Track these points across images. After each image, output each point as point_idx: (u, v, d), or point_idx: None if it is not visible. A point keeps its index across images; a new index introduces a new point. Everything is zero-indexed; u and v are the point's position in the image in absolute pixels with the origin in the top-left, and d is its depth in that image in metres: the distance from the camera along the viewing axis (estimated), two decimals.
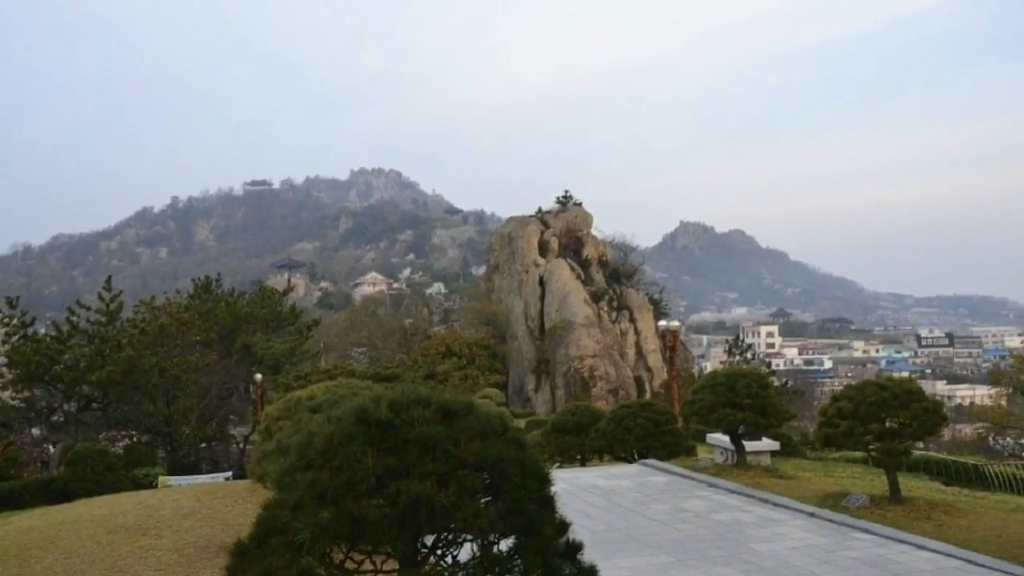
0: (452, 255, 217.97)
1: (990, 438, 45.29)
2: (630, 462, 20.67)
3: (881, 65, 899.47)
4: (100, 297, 37.08)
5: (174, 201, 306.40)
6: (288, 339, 48.58)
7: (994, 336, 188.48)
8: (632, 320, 77.29)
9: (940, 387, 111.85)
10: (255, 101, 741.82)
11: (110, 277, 40.47)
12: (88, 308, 37.26)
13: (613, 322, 76.46)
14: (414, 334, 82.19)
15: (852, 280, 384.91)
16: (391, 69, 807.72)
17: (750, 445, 17.96)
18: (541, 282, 77.21)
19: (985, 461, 27.14)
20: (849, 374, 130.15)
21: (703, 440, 22.50)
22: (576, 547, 4.50)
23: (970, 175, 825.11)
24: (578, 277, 77.63)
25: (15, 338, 34.22)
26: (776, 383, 41.47)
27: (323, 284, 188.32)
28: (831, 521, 12.79)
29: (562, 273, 76.68)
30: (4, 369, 34.59)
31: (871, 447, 14.15)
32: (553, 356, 72.65)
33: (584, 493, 15.49)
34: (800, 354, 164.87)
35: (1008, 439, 43.40)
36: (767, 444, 18.77)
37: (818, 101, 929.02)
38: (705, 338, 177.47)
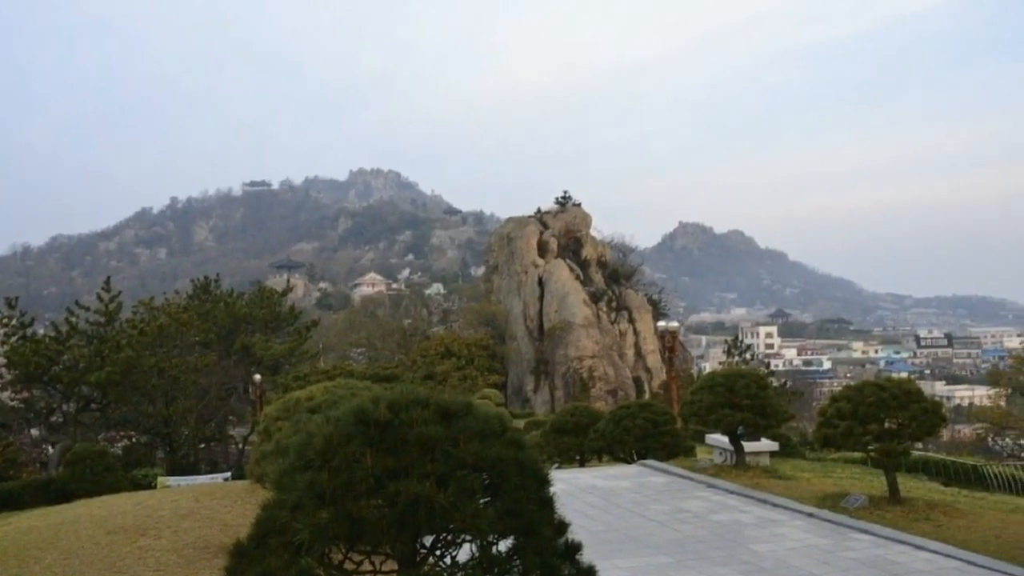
0: (451, 256, 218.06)
1: (989, 439, 45.37)
2: (629, 463, 20.67)
3: (881, 65, 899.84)
4: (99, 298, 37.13)
5: (173, 202, 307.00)
6: (287, 340, 48.64)
7: (993, 337, 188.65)
8: (631, 321, 77.28)
9: (939, 388, 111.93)
10: (255, 101, 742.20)
11: (109, 278, 40.59)
12: (87, 309, 37.32)
13: (612, 323, 76.47)
14: (413, 335, 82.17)
15: (851, 280, 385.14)
16: (391, 69, 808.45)
17: (749, 446, 17.95)
18: (540, 283, 77.19)
19: (984, 462, 27.13)
20: (848, 375, 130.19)
21: (702, 441, 22.46)
22: (575, 547, 4.50)
23: (970, 175, 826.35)
24: (577, 278, 77.63)
25: (14, 339, 34.27)
26: (775, 384, 41.42)
27: (322, 285, 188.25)
28: (830, 522, 12.79)
29: (561, 274, 76.68)
30: (3, 370, 34.60)
31: (870, 448, 14.16)
32: (552, 357, 72.64)
33: (583, 494, 15.49)
34: (799, 355, 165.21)
35: (1007, 440, 43.48)
36: (766, 445, 18.76)
37: (818, 101, 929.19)
38: (704, 339, 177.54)
